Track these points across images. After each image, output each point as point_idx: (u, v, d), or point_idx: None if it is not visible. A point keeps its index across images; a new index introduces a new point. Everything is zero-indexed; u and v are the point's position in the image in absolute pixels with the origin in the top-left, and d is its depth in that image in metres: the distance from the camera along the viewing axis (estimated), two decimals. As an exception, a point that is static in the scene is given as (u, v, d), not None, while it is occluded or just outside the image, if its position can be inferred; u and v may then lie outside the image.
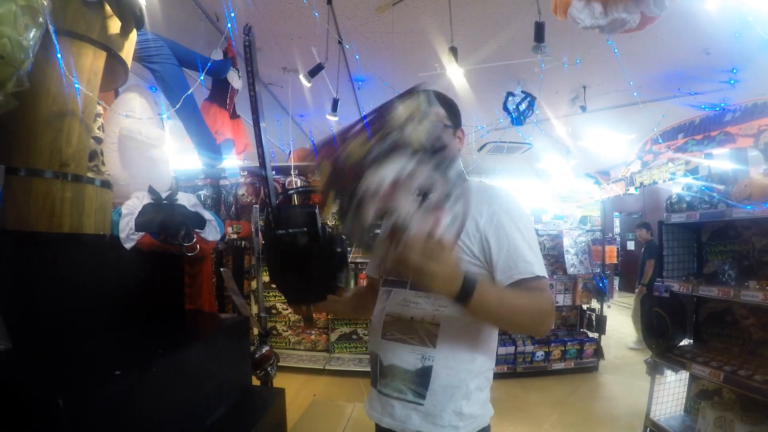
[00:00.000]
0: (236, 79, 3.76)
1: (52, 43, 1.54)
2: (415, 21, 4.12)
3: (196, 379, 1.87)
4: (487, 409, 1.34)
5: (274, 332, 5.64)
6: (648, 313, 3.17)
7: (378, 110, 1.07)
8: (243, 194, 5.22)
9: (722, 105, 4.55)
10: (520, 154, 8.27)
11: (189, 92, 2.72)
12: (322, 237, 1.25)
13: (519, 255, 1.22)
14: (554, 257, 5.57)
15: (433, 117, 1.05)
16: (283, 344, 5.64)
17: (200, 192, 5.19)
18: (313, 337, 5.63)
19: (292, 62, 5.01)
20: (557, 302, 5.46)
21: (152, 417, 1.56)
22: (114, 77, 2.17)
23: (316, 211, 1.27)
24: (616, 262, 10.15)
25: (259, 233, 3.59)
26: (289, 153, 5.84)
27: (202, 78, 3.13)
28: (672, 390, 3.20)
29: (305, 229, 1.24)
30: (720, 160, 4.02)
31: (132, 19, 1.94)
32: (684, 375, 3.15)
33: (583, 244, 5.53)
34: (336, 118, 5.30)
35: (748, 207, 2.53)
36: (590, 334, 5.52)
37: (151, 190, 2.22)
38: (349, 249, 1.45)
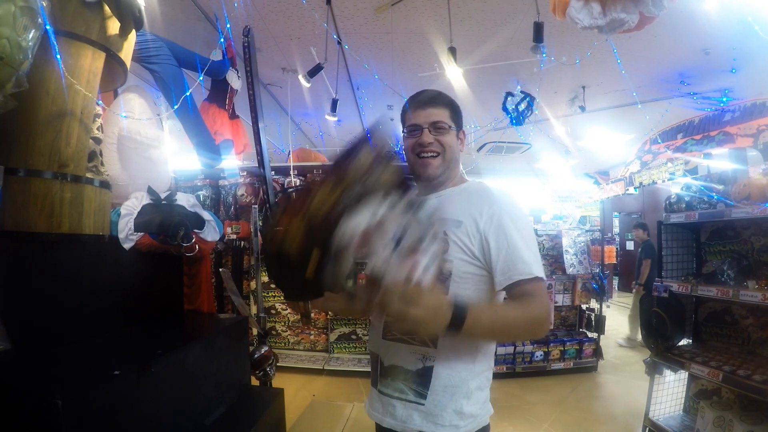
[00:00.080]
0: (235, 80, 3.76)
1: (51, 44, 1.54)
2: (414, 21, 4.12)
3: (195, 380, 1.87)
4: (487, 408, 1.35)
5: (273, 332, 5.63)
6: (647, 313, 3.18)
7: (340, 158, 1.07)
8: (242, 194, 5.21)
9: (722, 101, 4.56)
10: (520, 154, 8.28)
11: (188, 93, 2.72)
12: None
13: (518, 256, 1.22)
14: (553, 257, 5.57)
15: (395, 160, 1.06)
16: (282, 344, 5.63)
17: (199, 192, 5.19)
18: (312, 337, 5.62)
19: (291, 62, 5.01)
20: (556, 302, 5.47)
21: (151, 417, 1.56)
22: (113, 78, 2.17)
23: None
24: (615, 262, 10.17)
25: (258, 233, 3.58)
26: (288, 153, 5.84)
27: (201, 78, 3.13)
28: (671, 390, 3.21)
29: None
30: (719, 160, 4.04)
31: (131, 19, 1.94)
32: (683, 375, 3.15)
33: (582, 244, 5.53)
34: (335, 118, 5.30)
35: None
36: (589, 334, 5.52)
37: (150, 191, 2.22)
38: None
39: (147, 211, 2.11)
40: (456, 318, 1.03)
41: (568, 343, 5.25)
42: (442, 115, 1.37)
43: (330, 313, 5.18)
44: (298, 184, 5.01)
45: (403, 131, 1.46)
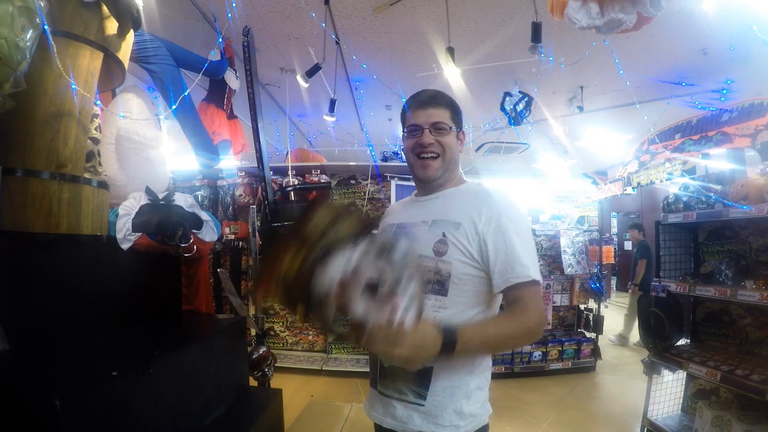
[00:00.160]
0: (233, 80, 3.76)
1: (49, 44, 1.54)
2: (412, 21, 4.12)
3: (194, 380, 1.87)
4: (487, 408, 1.35)
5: (272, 333, 5.63)
6: (645, 313, 3.18)
7: (297, 220, 1.11)
8: (240, 195, 5.20)
9: (722, 97, 4.57)
10: (518, 154, 8.27)
11: (186, 93, 2.72)
12: None
13: (516, 259, 1.23)
14: (552, 257, 5.57)
15: (351, 209, 1.10)
16: (281, 345, 5.63)
17: (197, 192, 5.17)
18: (310, 337, 5.62)
19: (289, 62, 5.01)
20: (554, 302, 5.48)
21: (149, 418, 1.55)
22: (111, 78, 2.17)
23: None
24: (613, 262, 10.19)
25: (257, 234, 3.58)
26: (287, 153, 5.84)
27: (199, 78, 3.13)
28: (669, 389, 3.21)
29: None
30: (717, 160, 4.04)
31: (129, 19, 1.94)
32: (681, 374, 3.16)
33: (580, 244, 5.54)
34: (333, 119, 5.30)
35: (745, 207, 2.53)
36: (587, 334, 5.52)
37: (148, 191, 2.21)
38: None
39: (145, 211, 2.10)
40: (447, 344, 1.06)
41: (566, 344, 5.25)
42: (442, 115, 1.37)
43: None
44: (296, 183, 5.01)
45: (403, 131, 1.46)
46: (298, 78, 4.57)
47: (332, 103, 5.10)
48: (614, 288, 11.71)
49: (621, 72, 4.11)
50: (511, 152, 8.21)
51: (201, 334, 2.30)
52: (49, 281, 1.67)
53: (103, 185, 1.95)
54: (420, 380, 1.28)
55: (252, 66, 1.11)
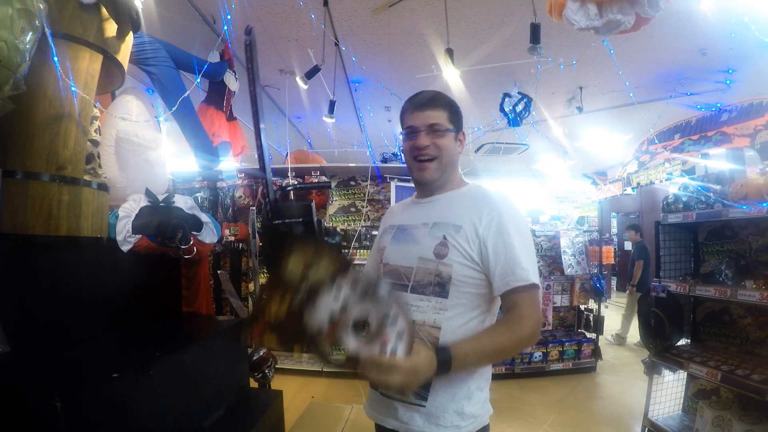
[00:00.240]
0: (233, 82, 3.76)
1: (49, 46, 1.54)
2: (411, 22, 4.12)
3: (194, 382, 1.87)
4: (487, 408, 1.36)
5: (272, 334, 5.61)
6: (645, 313, 3.18)
7: (274, 272, 1.16)
8: (240, 196, 5.22)
9: (718, 105, 4.57)
10: (518, 155, 8.27)
11: (186, 95, 2.72)
12: (317, 228, 1.27)
13: (516, 262, 1.24)
14: (551, 258, 5.57)
15: (323, 249, 1.11)
16: (281, 346, 5.61)
17: (197, 194, 5.19)
18: (311, 339, 5.61)
19: (288, 64, 5.01)
20: (555, 303, 5.47)
21: (150, 419, 1.55)
22: (111, 80, 2.17)
23: (312, 204, 1.30)
24: (613, 262, 10.19)
25: (257, 236, 3.58)
26: (286, 155, 5.84)
27: (198, 80, 3.13)
28: (670, 390, 3.21)
29: (301, 219, 1.26)
30: (716, 160, 4.05)
31: (128, 21, 1.95)
32: (682, 375, 3.15)
33: (580, 244, 5.54)
34: (332, 120, 5.30)
35: (744, 207, 2.54)
36: (588, 335, 5.53)
37: (148, 193, 2.21)
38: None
39: (145, 213, 2.11)
40: (442, 365, 1.10)
41: (566, 344, 5.25)
42: (439, 117, 1.36)
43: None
44: (296, 183, 5.01)
45: (401, 133, 1.46)
46: (298, 80, 4.57)
47: (332, 104, 5.10)
48: (614, 288, 11.71)
49: (620, 72, 4.12)
50: (511, 153, 8.21)
51: (201, 335, 2.30)
52: (50, 283, 1.67)
53: (102, 187, 1.95)
54: None
55: (254, 65, 1.12)
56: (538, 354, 5.13)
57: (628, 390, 4.67)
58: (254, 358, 2.81)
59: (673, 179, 4.58)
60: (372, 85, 5.35)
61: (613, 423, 3.94)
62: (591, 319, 5.53)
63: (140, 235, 2.04)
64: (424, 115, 1.37)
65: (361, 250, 5.44)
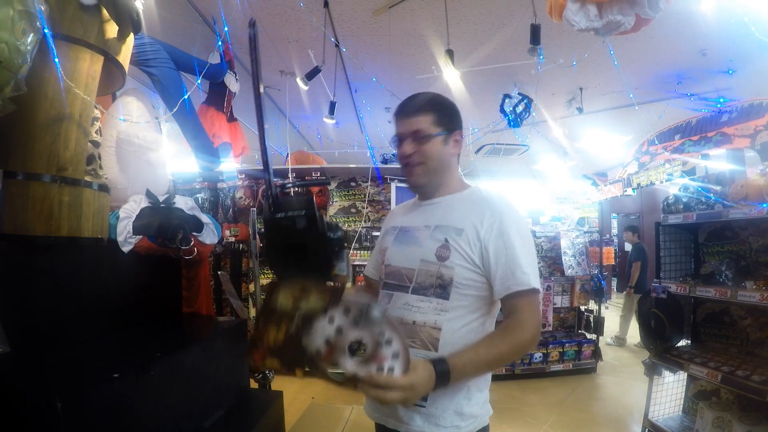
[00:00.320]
0: (233, 83, 3.76)
1: (50, 48, 1.55)
2: (411, 24, 4.13)
3: (194, 382, 1.87)
4: (487, 409, 1.36)
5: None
6: (645, 314, 3.18)
7: (262, 305, 1.20)
8: (240, 197, 5.22)
9: (719, 104, 4.57)
10: (518, 156, 8.28)
11: (186, 96, 2.72)
12: (320, 221, 1.27)
13: (517, 266, 1.24)
14: (552, 259, 5.57)
15: (313, 286, 1.14)
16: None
17: (198, 195, 5.19)
18: (311, 339, 5.61)
19: (289, 65, 5.02)
20: (555, 304, 5.47)
21: (150, 419, 1.55)
22: (111, 81, 2.17)
23: (313, 198, 1.30)
24: (613, 263, 10.19)
25: (257, 236, 3.58)
26: (287, 156, 5.84)
27: (199, 81, 3.13)
28: (670, 391, 3.21)
29: (304, 212, 1.26)
30: (716, 161, 4.04)
31: (129, 22, 1.95)
32: (682, 376, 3.15)
33: (580, 245, 5.54)
34: (333, 121, 5.31)
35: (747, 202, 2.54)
36: (588, 336, 5.52)
37: (149, 194, 2.22)
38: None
39: (145, 214, 2.11)
40: (440, 378, 1.10)
41: (567, 345, 5.25)
42: (423, 122, 1.35)
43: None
44: (295, 181, 5.02)
45: (392, 139, 1.47)
46: (298, 81, 4.58)
47: (332, 105, 5.11)
48: (614, 289, 11.71)
49: (620, 73, 4.12)
50: (511, 154, 8.21)
51: (201, 336, 2.30)
52: (50, 284, 1.67)
53: (103, 188, 1.95)
54: None
55: (257, 55, 1.12)
56: (538, 355, 5.12)
57: (628, 391, 4.67)
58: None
59: (673, 180, 4.57)
60: (372, 86, 5.36)
61: (614, 424, 3.94)
62: (591, 320, 5.53)
63: (141, 236, 2.04)
64: (408, 122, 1.37)
65: (362, 251, 5.44)
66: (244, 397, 2.35)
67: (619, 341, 6.74)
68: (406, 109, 1.39)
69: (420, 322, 1.29)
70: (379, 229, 5.09)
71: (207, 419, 1.96)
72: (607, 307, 9.19)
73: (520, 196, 9.45)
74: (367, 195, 5.68)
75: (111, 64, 1.98)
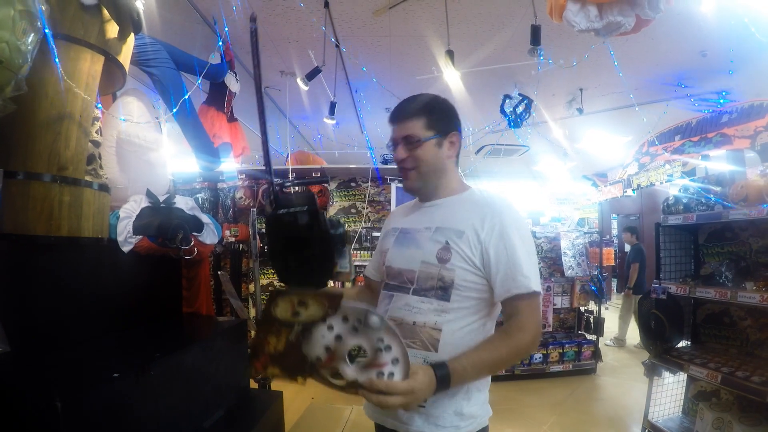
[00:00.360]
0: (234, 83, 3.77)
1: (50, 48, 1.55)
2: (411, 24, 4.13)
3: (194, 382, 1.87)
4: (486, 410, 1.36)
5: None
6: (645, 315, 3.18)
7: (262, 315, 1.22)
8: (240, 197, 5.22)
9: (721, 98, 4.57)
10: (518, 156, 8.27)
11: (187, 96, 2.72)
12: (321, 218, 1.28)
13: (518, 269, 1.25)
14: (552, 259, 5.57)
15: (310, 296, 1.15)
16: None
17: (198, 195, 5.19)
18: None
19: (289, 65, 5.01)
20: (555, 304, 5.47)
21: (150, 419, 1.55)
22: (112, 81, 2.17)
23: (314, 195, 1.31)
24: (613, 264, 10.19)
25: (257, 237, 3.58)
26: (287, 156, 5.85)
27: (199, 81, 3.13)
28: (670, 391, 3.21)
29: (306, 207, 1.26)
30: (717, 162, 4.04)
31: (129, 22, 1.95)
32: (682, 376, 3.15)
33: (580, 246, 5.54)
34: (333, 121, 5.31)
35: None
36: (588, 336, 5.52)
37: (149, 194, 2.22)
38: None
39: (145, 214, 2.11)
40: (441, 382, 1.12)
41: (566, 346, 5.25)
42: (413, 127, 1.36)
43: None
44: (294, 180, 5.01)
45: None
46: (299, 81, 4.58)
47: (332, 105, 5.11)
48: (614, 290, 11.70)
49: (620, 74, 4.12)
50: (511, 155, 8.21)
51: (201, 336, 2.30)
52: (50, 284, 1.67)
53: (104, 188, 1.95)
54: None
55: (257, 50, 1.13)
56: (538, 356, 5.12)
57: (628, 392, 4.67)
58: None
59: (673, 181, 4.57)
60: (372, 87, 5.36)
61: (613, 425, 3.94)
62: (591, 321, 5.53)
63: (141, 236, 2.05)
64: (400, 127, 1.38)
65: (362, 252, 5.44)
66: (244, 397, 2.35)
67: (619, 342, 6.75)
68: (398, 114, 1.40)
69: (420, 322, 1.30)
70: (379, 229, 5.08)
71: (207, 419, 1.96)
72: (607, 308, 9.19)
73: (520, 196, 9.45)
74: (367, 195, 5.69)
75: (111, 64, 1.98)
